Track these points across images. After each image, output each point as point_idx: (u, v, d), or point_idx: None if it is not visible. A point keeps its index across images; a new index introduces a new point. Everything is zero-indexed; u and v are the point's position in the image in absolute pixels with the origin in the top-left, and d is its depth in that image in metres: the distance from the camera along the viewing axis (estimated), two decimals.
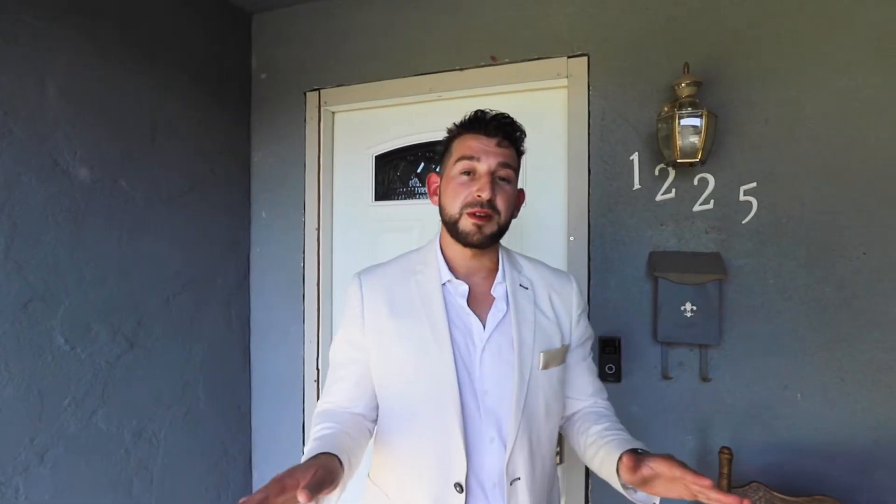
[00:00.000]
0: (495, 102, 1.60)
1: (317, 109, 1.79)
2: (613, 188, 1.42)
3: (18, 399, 1.16)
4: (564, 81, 1.48)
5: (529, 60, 1.51)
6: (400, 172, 1.77)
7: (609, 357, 1.39)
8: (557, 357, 0.85)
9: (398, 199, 1.77)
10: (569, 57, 1.46)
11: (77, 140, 1.29)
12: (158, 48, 1.51)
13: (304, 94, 1.80)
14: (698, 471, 0.65)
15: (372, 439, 0.87)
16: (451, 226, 0.83)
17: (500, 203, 0.82)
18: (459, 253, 0.86)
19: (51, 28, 1.23)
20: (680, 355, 1.35)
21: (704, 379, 1.32)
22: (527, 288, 0.87)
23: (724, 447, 1.16)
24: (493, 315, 0.83)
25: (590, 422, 0.87)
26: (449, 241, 0.86)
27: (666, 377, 1.35)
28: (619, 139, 1.42)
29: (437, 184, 0.89)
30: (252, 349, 1.85)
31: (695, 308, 1.28)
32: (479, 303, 0.85)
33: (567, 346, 0.89)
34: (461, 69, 1.58)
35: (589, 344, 0.95)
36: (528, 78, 1.51)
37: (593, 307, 1.43)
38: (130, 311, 1.42)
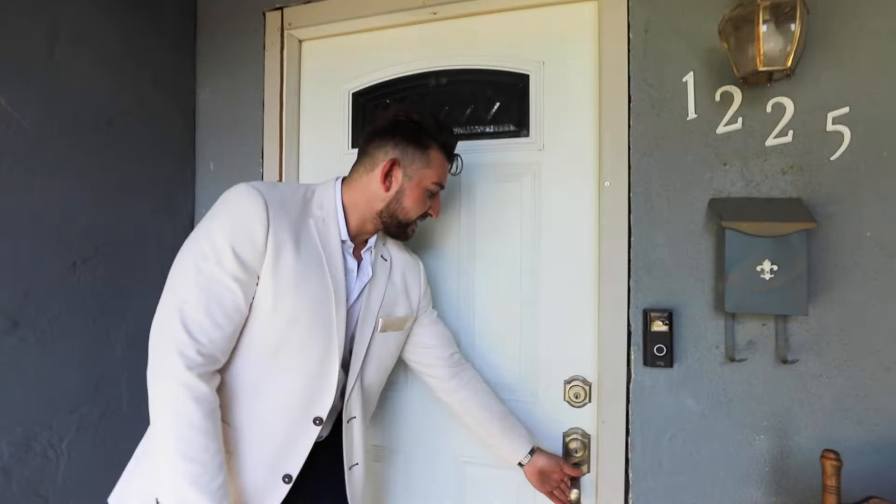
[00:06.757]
0: (506, 21, 1.28)
1: (279, 34, 1.42)
2: (662, 119, 1.11)
3: None
4: None
5: None
6: (382, 111, 1.42)
7: (657, 335, 1.07)
8: (395, 324, 0.99)
9: None
10: None
11: None
12: None
13: (264, 14, 1.43)
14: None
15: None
16: (399, 223, 0.93)
17: None
18: (361, 221, 0.92)
19: None
20: (749, 331, 1.05)
21: (783, 361, 1.02)
22: (386, 260, 1.00)
23: (828, 451, 0.86)
24: (360, 278, 0.94)
25: (473, 390, 1.08)
26: (361, 211, 0.91)
27: (732, 360, 1.04)
28: (669, 57, 1.11)
29: (398, 176, 0.90)
30: None
31: (775, 268, 0.97)
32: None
33: (414, 317, 1.05)
34: None
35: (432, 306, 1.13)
36: None
37: (635, 270, 1.11)
38: (12, 278, 1.03)
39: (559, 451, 1.19)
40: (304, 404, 0.83)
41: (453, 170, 1.01)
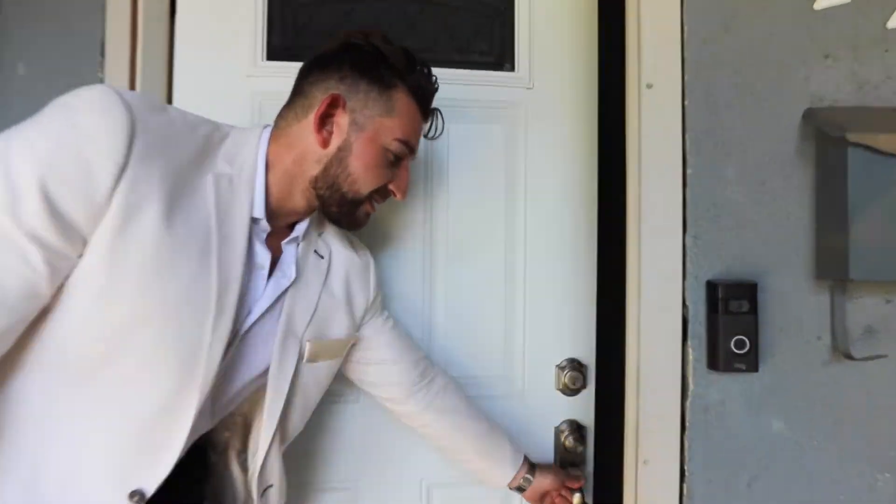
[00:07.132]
0: None
1: None
2: None
3: None
4: None
5: None
6: (318, 12, 0.94)
7: (735, 320, 0.68)
8: (331, 349, 0.70)
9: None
10: None
11: None
12: None
13: None
14: None
15: None
16: (344, 200, 0.63)
17: None
18: (286, 192, 0.62)
19: None
20: (867, 311, 0.69)
21: None
22: (322, 257, 0.70)
23: None
24: (277, 280, 0.63)
25: (440, 410, 0.77)
26: (287, 176, 0.61)
27: (846, 356, 0.67)
28: None
29: (341, 123, 0.61)
30: None
31: None
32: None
33: (357, 336, 0.74)
34: None
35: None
36: None
37: (694, 221, 0.72)
38: None
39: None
40: (121, 469, 0.53)
41: (431, 133, 0.71)
